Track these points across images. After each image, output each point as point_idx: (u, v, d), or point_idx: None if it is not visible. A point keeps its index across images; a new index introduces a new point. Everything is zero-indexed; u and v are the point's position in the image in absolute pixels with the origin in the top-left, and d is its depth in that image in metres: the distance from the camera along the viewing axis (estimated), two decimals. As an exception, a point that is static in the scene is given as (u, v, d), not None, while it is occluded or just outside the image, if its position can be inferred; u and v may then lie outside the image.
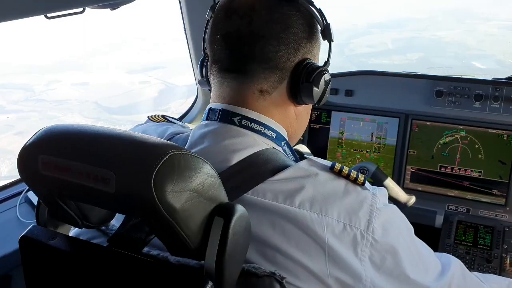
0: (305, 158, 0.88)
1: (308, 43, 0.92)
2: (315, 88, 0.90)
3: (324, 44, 0.97)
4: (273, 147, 0.91)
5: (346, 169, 0.85)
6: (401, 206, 1.40)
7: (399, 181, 1.91)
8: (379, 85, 1.95)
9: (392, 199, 1.40)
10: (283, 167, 0.84)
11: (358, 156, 1.99)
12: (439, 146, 1.86)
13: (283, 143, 0.93)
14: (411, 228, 0.90)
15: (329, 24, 0.93)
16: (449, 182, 1.86)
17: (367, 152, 1.97)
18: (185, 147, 0.91)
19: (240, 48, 0.88)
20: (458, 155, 1.84)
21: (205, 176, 0.65)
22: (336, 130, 2.01)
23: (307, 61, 0.91)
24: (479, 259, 1.71)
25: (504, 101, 1.77)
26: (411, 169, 1.90)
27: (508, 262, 1.67)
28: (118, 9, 1.47)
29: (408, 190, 1.88)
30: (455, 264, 0.95)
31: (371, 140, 1.96)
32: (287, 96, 0.92)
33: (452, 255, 1.71)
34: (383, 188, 0.89)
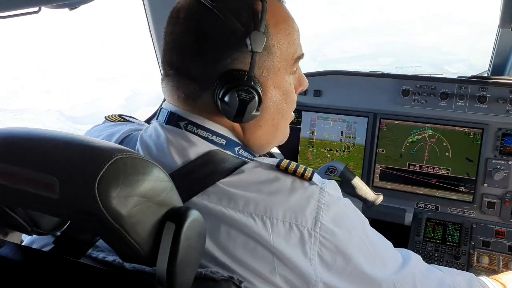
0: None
1: (235, 52, 0.82)
2: (224, 106, 0.82)
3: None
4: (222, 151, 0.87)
5: (293, 165, 0.82)
6: (369, 204, 1.41)
7: (368, 179, 1.92)
8: (347, 85, 1.96)
9: (360, 198, 1.41)
10: (231, 170, 0.82)
11: (329, 155, 1.99)
12: (408, 144, 1.87)
13: (236, 149, 0.89)
14: (364, 221, 0.87)
15: (256, 31, 0.80)
16: (418, 180, 1.88)
17: (337, 151, 1.97)
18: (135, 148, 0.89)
19: (169, 55, 0.87)
20: (426, 153, 1.86)
21: (155, 180, 0.63)
22: (307, 130, 2.00)
23: (229, 73, 0.82)
24: (447, 255, 1.74)
25: (469, 99, 1.79)
26: (380, 168, 1.91)
27: (475, 258, 1.70)
28: (78, 9, 1.42)
29: (377, 189, 1.89)
30: (416, 256, 0.95)
31: (341, 139, 1.96)
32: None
33: (422, 252, 1.75)
34: (333, 181, 0.86)
